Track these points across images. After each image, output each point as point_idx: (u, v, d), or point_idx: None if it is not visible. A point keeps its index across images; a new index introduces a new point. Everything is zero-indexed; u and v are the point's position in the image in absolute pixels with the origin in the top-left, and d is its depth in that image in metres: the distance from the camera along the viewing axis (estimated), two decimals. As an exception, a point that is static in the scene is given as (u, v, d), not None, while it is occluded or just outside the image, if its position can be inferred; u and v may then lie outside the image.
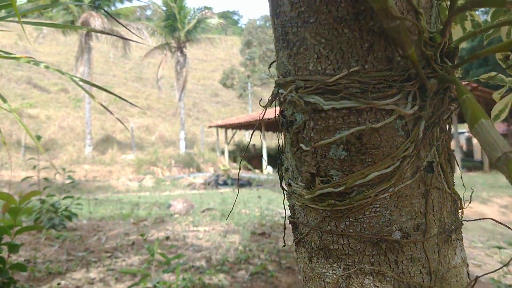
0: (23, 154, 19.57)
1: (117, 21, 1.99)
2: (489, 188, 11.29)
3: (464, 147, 31.79)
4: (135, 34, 2.31)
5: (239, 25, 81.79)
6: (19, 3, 1.92)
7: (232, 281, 3.69)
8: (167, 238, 5.21)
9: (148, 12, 30.77)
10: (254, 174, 19.81)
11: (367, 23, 0.65)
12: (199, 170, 21.49)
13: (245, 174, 18.83)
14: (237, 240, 5.11)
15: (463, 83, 0.67)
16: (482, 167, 20.46)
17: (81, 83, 2.09)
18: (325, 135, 0.70)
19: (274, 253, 4.44)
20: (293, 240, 0.88)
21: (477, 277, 0.75)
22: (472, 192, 0.86)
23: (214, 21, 26.91)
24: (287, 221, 0.91)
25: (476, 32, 0.66)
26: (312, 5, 0.67)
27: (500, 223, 0.74)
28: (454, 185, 0.81)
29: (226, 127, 25.35)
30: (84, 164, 19.90)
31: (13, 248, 2.26)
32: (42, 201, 4.88)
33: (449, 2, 0.66)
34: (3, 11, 1.97)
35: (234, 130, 26.74)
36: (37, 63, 1.98)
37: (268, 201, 8.56)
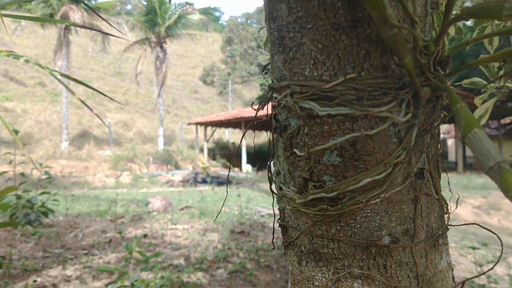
0: (-3, 148, 19.05)
1: (97, 14, 1.96)
2: (462, 189, 11.59)
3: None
4: (115, 28, 2.27)
5: (220, 22, 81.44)
6: (-1, -5, 1.87)
7: (210, 280, 3.68)
8: (145, 236, 5.16)
9: (129, 7, 30.39)
10: (233, 173, 19.79)
11: (364, 30, 0.66)
12: (177, 167, 21.34)
13: (224, 172, 18.79)
14: (216, 239, 5.10)
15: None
16: (456, 168, 20.98)
17: (60, 77, 2.05)
18: (319, 141, 0.70)
19: (253, 252, 4.45)
20: (282, 243, 0.88)
21: (464, 280, 0.77)
22: (458, 198, 0.88)
23: (195, 17, 26.75)
24: (276, 224, 0.91)
25: (469, 41, 0.68)
26: (310, 10, 0.67)
27: (486, 228, 0.76)
28: (441, 191, 0.82)
29: (205, 124, 25.24)
30: (60, 159, 19.52)
31: (-12, 245, 2.20)
32: (18, 197, 4.76)
33: (443, 11, 0.67)
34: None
35: (214, 128, 26.66)
36: (17, 57, 1.93)
37: (247, 199, 8.57)
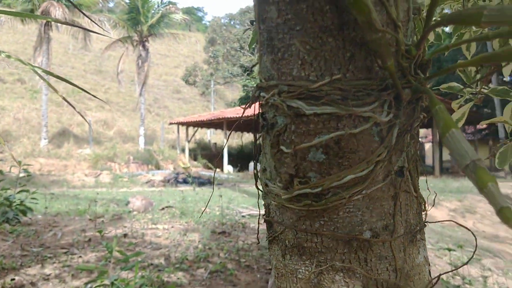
0: (-29, 145, 18.59)
1: (80, 11, 1.95)
2: (439, 192, 11.81)
3: (417, 153, 33.02)
4: (97, 25, 2.26)
5: (203, 22, 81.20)
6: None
7: (191, 279, 3.68)
8: (125, 235, 5.12)
9: (111, 4, 30.00)
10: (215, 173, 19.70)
11: (350, 33, 0.69)
12: (158, 167, 21.18)
13: (205, 173, 18.74)
14: (197, 239, 5.10)
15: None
16: (433, 172, 21.40)
17: (41, 74, 2.03)
18: (305, 139, 0.73)
19: (233, 252, 4.46)
20: (267, 238, 0.91)
21: (440, 274, 0.81)
22: (436, 196, 0.92)
23: (178, 16, 26.62)
24: (262, 220, 0.93)
25: (449, 46, 0.72)
26: (299, 13, 0.70)
27: (462, 225, 0.80)
28: (419, 189, 0.86)
29: (187, 124, 25.12)
30: (39, 157, 19.15)
31: (-34, 242, 2.17)
32: (-4, 195, 4.68)
33: (425, 17, 0.71)
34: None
35: (196, 128, 26.55)
36: (-1, 51, 1.90)
37: (228, 200, 8.57)
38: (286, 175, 0.78)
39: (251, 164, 20.52)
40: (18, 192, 4.91)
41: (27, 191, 4.98)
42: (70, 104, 2.11)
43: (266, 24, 0.76)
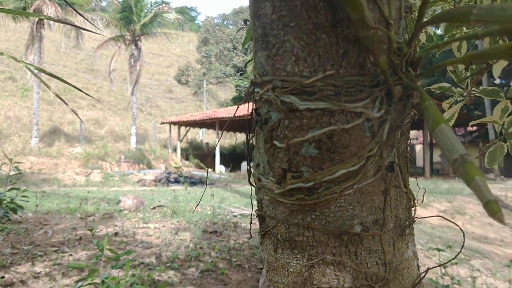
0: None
1: (73, 9, 1.94)
2: (429, 193, 11.92)
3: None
4: (91, 23, 2.25)
5: (196, 22, 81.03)
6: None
7: (182, 278, 3.68)
8: (116, 234, 5.10)
9: (104, 3, 29.88)
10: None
11: (343, 30, 0.70)
12: (150, 166, 21.10)
13: (197, 173, 18.71)
14: (188, 238, 5.09)
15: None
16: (423, 173, 21.57)
17: (35, 72, 2.02)
18: (298, 133, 0.74)
19: (225, 251, 4.47)
20: (259, 232, 0.92)
21: (428, 269, 0.82)
22: (425, 192, 0.94)
23: (171, 16, 26.57)
24: (254, 215, 0.94)
25: (439, 45, 0.73)
26: (293, 10, 0.72)
27: (449, 220, 0.81)
28: (409, 185, 0.88)
29: (179, 124, 25.06)
30: (29, 156, 18.97)
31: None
32: (-14, 192, 4.63)
33: (416, 15, 0.72)
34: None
35: (188, 128, 26.50)
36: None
37: (220, 200, 8.57)
38: (279, 169, 0.79)
39: (243, 164, 20.56)
40: (9, 190, 4.87)
41: (18, 189, 4.94)
42: (63, 101, 2.10)
43: (260, 20, 0.78)
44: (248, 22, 1.18)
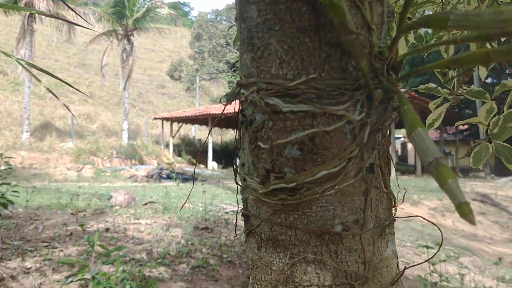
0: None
1: (64, 3, 1.94)
2: (420, 191, 12.03)
3: (399, 152, 33.61)
4: (82, 18, 2.25)
5: (189, 17, 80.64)
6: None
7: (172, 274, 3.69)
8: (107, 230, 5.10)
9: (96, -3, 29.63)
10: (199, 169, 19.72)
11: (326, 34, 0.72)
12: (142, 162, 21.04)
13: (189, 169, 18.69)
14: (179, 234, 5.10)
15: (403, 90, 0.76)
16: (414, 171, 21.73)
17: (26, 66, 2.01)
18: (282, 135, 0.76)
19: (216, 248, 4.49)
20: (244, 231, 0.94)
21: (405, 268, 0.84)
22: (405, 193, 0.96)
23: (164, 11, 26.45)
24: (239, 214, 0.96)
25: (420, 49, 0.75)
26: (277, 13, 0.73)
27: (428, 220, 0.84)
28: (390, 186, 0.90)
29: (172, 120, 25.00)
30: (20, 151, 18.82)
31: None
32: (-24, 187, 4.59)
33: (398, 21, 0.74)
34: None
35: (180, 124, 26.44)
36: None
37: (212, 196, 8.59)
38: (263, 170, 0.80)
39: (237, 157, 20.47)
40: (-1, 185, 4.84)
41: (8, 184, 4.91)
42: (55, 95, 2.10)
43: (246, 23, 0.79)
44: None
